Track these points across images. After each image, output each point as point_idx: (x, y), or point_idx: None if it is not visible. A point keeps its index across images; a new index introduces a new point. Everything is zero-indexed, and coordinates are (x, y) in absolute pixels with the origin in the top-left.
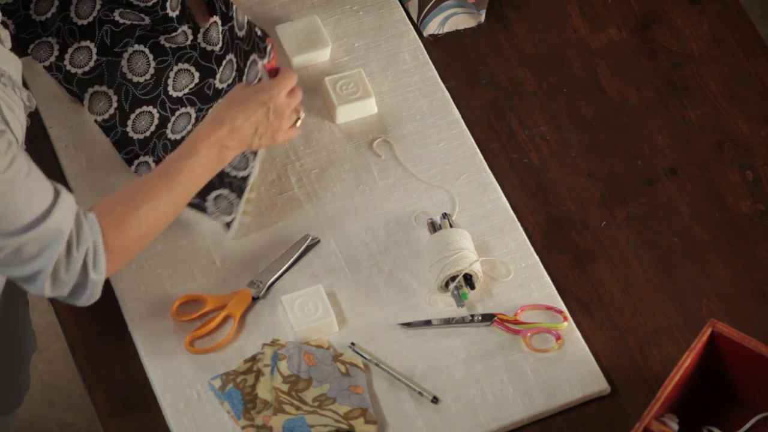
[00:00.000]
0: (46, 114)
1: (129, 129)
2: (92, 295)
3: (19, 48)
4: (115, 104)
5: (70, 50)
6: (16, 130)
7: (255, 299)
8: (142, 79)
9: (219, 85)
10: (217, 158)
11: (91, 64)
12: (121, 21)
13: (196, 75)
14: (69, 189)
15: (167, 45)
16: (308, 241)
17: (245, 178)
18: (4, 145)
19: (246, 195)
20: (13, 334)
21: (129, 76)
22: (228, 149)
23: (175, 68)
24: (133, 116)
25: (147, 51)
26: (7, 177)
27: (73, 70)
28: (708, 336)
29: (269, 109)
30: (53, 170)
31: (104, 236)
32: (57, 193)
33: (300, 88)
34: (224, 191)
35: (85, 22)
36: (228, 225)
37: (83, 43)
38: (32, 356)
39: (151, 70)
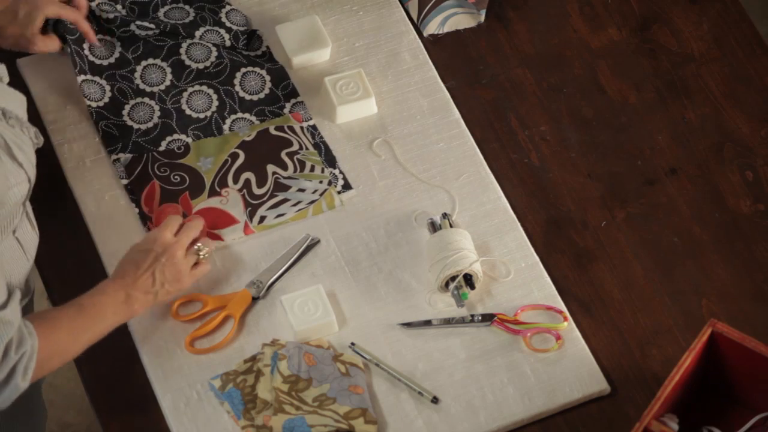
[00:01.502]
0: (46, 114)
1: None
2: (6, 400)
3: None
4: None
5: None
6: (27, 170)
7: (255, 299)
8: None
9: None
10: (124, 304)
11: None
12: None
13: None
14: (69, 188)
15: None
16: (308, 241)
17: None
18: None
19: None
20: None
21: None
22: (134, 299)
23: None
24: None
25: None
26: None
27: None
28: (708, 336)
29: (158, 255)
30: (53, 170)
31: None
32: (10, 291)
33: (192, 226)
34: None
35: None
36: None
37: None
38: (42, 383)
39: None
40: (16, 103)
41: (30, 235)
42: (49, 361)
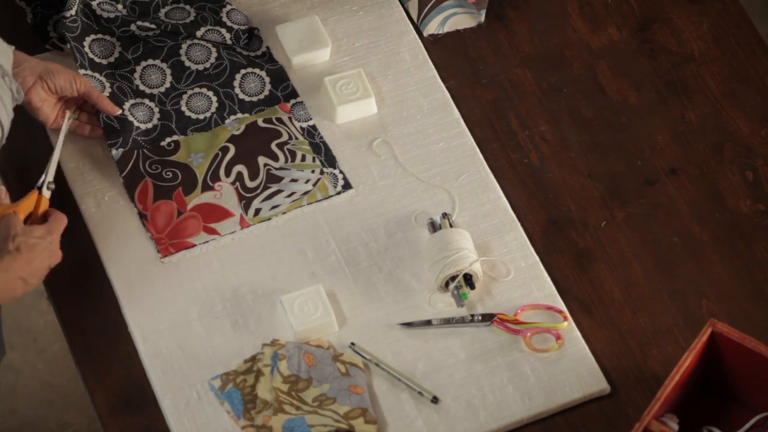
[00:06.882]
0: None
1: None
2: None
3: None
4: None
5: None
6: (2, 120)
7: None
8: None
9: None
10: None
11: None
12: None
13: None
14: (69, 188)
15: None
16: (69, 119)
17: None
18: None
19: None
20: None
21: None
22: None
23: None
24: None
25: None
26: None
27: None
28: (708, 336)
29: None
30: None
31: None
32: None
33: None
34: None
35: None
36: None
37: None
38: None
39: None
40: (2, 52)
41: None
42: None
